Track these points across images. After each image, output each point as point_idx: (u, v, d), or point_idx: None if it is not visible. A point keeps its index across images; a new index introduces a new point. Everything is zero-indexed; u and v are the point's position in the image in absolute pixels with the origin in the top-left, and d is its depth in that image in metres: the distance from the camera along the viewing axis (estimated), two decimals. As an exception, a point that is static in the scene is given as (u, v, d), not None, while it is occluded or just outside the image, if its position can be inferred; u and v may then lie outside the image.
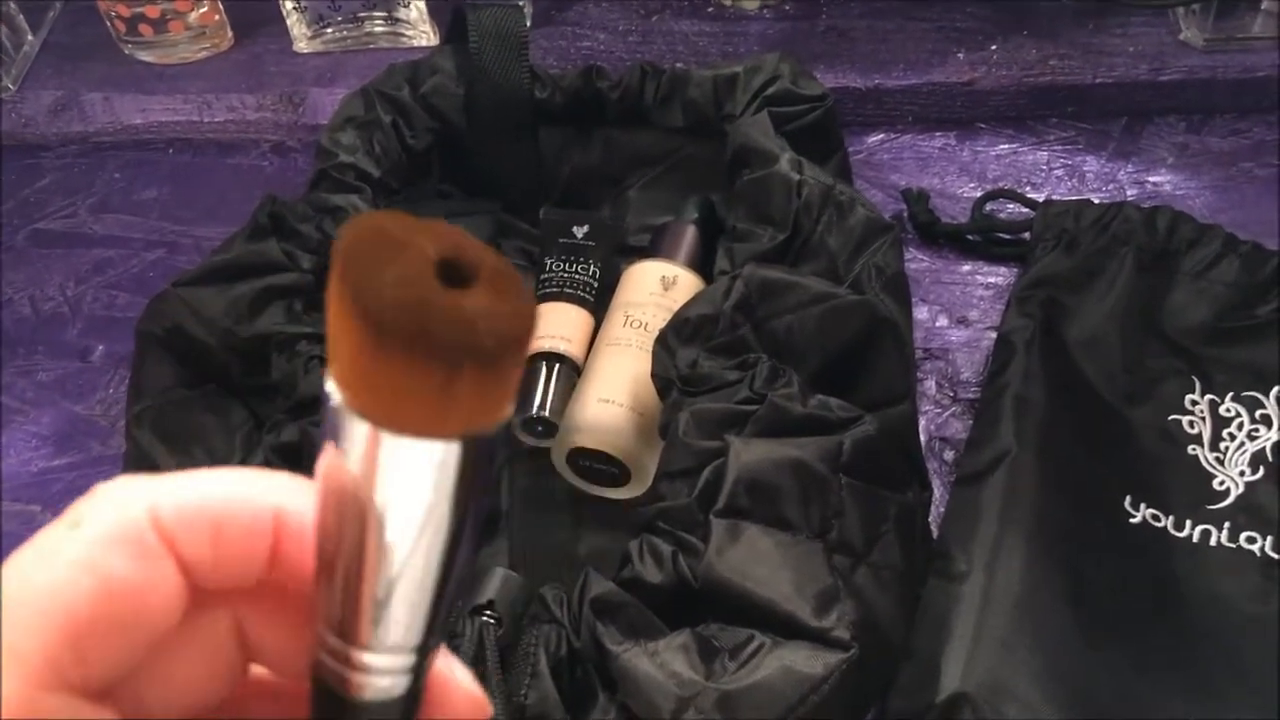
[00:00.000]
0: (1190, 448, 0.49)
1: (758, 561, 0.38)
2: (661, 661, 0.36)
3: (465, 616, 0.38)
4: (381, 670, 0.19)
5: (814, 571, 0.38)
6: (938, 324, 0.57)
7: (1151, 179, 0.63)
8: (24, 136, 0.70)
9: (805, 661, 0.36)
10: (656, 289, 0.52)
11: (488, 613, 0.38)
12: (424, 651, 0.19)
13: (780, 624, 0.36)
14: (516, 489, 0.52)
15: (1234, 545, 0.46)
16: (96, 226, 0.66)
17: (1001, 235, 0.60)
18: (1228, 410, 0.50)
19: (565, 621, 0.39)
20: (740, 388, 0.42)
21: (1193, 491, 0.47)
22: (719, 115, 0.56)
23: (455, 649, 0.37)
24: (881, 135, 0.66)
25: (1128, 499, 0.47)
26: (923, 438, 0.50)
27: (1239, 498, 0.47)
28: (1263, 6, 0.65)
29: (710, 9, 0.71)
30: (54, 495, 0.53)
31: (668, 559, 0.39)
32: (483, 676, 0.37)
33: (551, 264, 0.56)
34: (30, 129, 0.70)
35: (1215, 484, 0.48)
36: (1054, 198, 0.58)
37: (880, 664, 0.40)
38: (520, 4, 0.59)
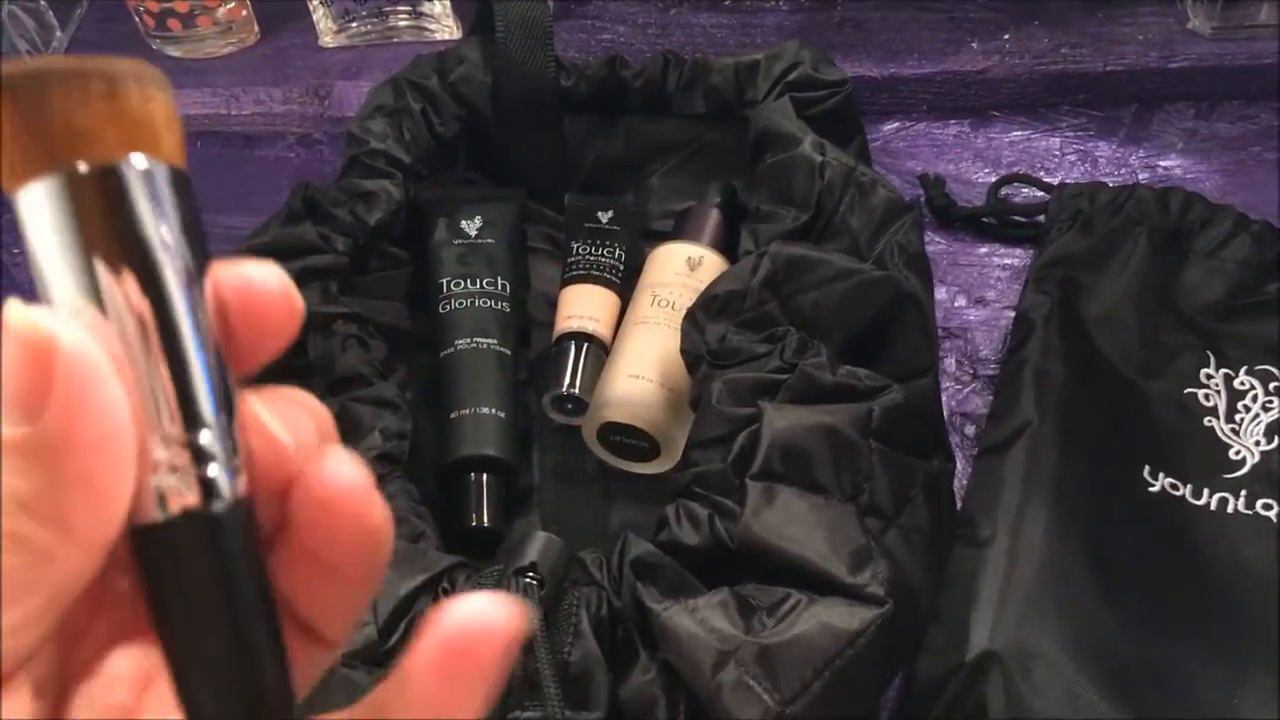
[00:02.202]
0: (1206, 419, 0.50)
1: (792, 522, 0.39)
2: (702, 618, 0.37)
3: (509, 578, 0.39)
4: (205, 451, 0.18)
5: (847, 532, 0.39)
6: (956, 304, 0.58)
7: (1162, 164, 0.64)
8: (54, 130, 0.71)
9: (842, 617, 0.37)
10: (683, 269, 0.53)
11: (530, 574, 0.39)
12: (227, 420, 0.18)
13: (816, 581, 0.38)
14: (546, 466, 0.53)
15: (1250, 512, 0.47)
16: (127, 217, 0.67)
17: (1017, 218, 0.61)
18: (1242, 383, 0.51)
19: (605, 583, 0.40)
20: (770, 358, 0.44)
21: (1209, 461, 0.49)
22: (741, 102, 0.57)
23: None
24: (897, 123, 0.68)
25: (1146, 468, 0.48)
26: (944, 413, 0.52)
27: (1255, 466, 0.48)
28: (1269, -5, 0.66)
29: (727, 2, 0.72)
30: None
31: (704, 522, 0.40)
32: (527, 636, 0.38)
33: (578, 248, 0.57)
34: (60, 123, 0.71)
35: (1231, 454, 0.49)
36: (1067, 182, 0.59)
37: (910, 624, 0.41)
38: (544, -4, 0.60)
